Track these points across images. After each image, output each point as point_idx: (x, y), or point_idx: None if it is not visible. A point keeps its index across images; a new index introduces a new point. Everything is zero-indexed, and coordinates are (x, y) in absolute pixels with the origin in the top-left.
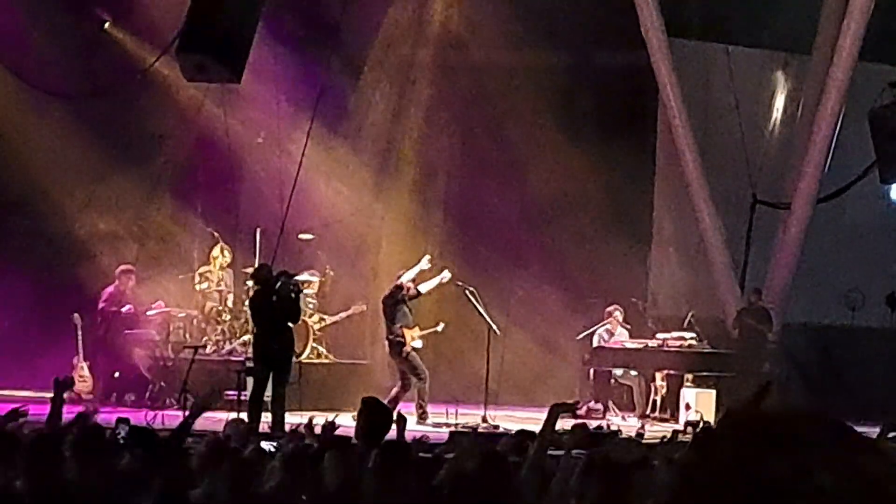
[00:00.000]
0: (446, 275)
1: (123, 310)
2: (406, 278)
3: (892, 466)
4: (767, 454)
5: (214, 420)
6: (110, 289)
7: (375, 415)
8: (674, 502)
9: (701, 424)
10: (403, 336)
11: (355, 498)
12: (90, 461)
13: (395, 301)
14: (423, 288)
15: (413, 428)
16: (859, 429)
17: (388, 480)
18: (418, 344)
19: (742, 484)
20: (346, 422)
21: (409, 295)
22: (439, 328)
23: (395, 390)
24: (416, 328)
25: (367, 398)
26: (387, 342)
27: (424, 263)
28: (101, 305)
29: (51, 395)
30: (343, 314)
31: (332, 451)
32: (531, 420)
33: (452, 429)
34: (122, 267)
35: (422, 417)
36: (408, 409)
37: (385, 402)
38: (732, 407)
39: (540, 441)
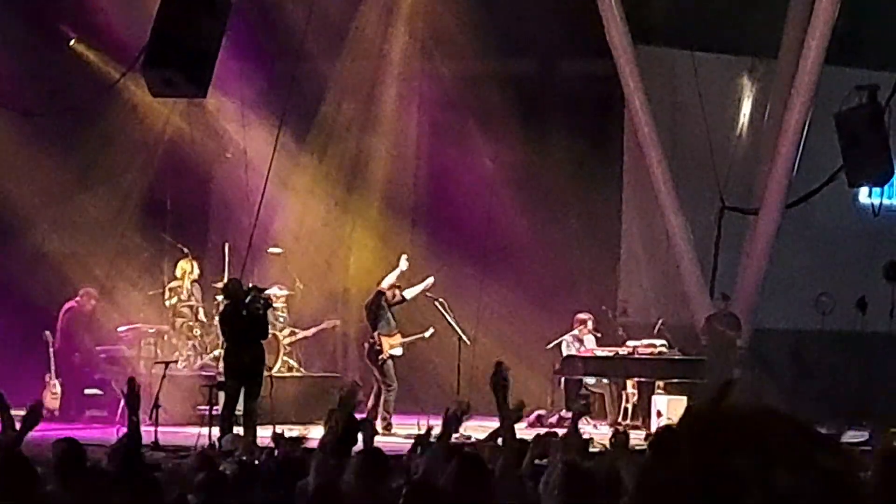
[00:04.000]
0: (429, 281)
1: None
2: (386, 283)
3: (851, 464)
4: (727, 453)
5: (186, 435)
6: (72, 304)
7: (344, 425)
8: (636, 502)
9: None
10: (381, 343)
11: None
12: (68, 480)
13: (378, 307)
14: (409, 294)
15: (378, 439)
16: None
17: (370, 484)
18: (398, 352)
19: (702, 483)
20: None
21: (392, 301)
22: (427, 334)
23: (371, 399)
24: (397, 336)
25: (332, 409)
26: (366, 346)
27: (403, 264)
28: (64, 321)
29: (20, 413)
30: (314, 329)
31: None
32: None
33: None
34: (84, 290)
35: (387, 429)
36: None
37: (366, 411)
38: (693, 407)
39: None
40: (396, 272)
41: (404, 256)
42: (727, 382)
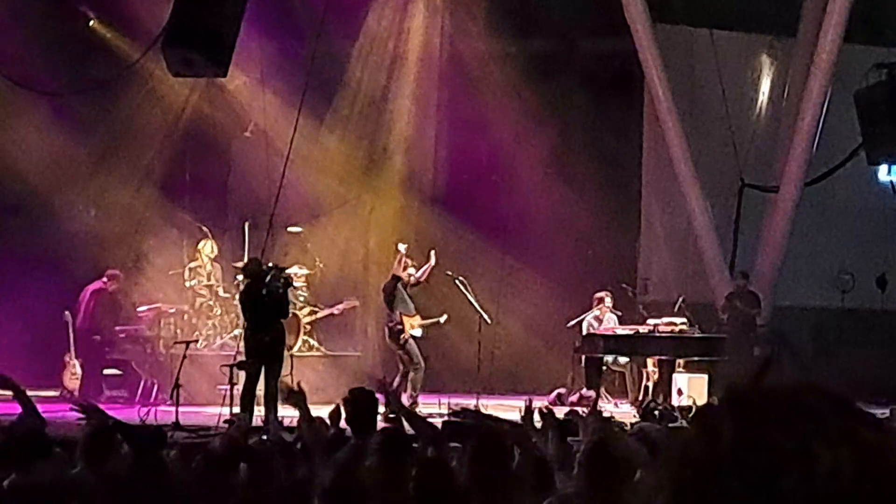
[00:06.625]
0: (432, 259)
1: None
2: (404, 271)
3: (892, 441)
4: (767, 430)
5: (207, 415)
6: (98, 285)
7: (362, 405)
8: (676, 479)
9: (693, 408)
10: (402, 323)
11: (354, 491)
12: (95, 461)
13: (394, 289)
14: (421, 275)
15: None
16: None
17: (390, 468)
18: (418, 332)
19: (742, 460)
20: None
21: (408, 283)
22: (442, 319)
23: (397, 379)
24: (417, 317)
25: (354, 388)
26: (386, 329)
27: (402, 248)
28: (91, 303)
29: (44, 393)
30: (335, 308)
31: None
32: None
33: (445, 418)
34: (109, 272)
35: (413, 407)
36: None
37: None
38: (734, 384)
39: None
40: (397, 260)
41: (403, 246)
42: (767, 361)
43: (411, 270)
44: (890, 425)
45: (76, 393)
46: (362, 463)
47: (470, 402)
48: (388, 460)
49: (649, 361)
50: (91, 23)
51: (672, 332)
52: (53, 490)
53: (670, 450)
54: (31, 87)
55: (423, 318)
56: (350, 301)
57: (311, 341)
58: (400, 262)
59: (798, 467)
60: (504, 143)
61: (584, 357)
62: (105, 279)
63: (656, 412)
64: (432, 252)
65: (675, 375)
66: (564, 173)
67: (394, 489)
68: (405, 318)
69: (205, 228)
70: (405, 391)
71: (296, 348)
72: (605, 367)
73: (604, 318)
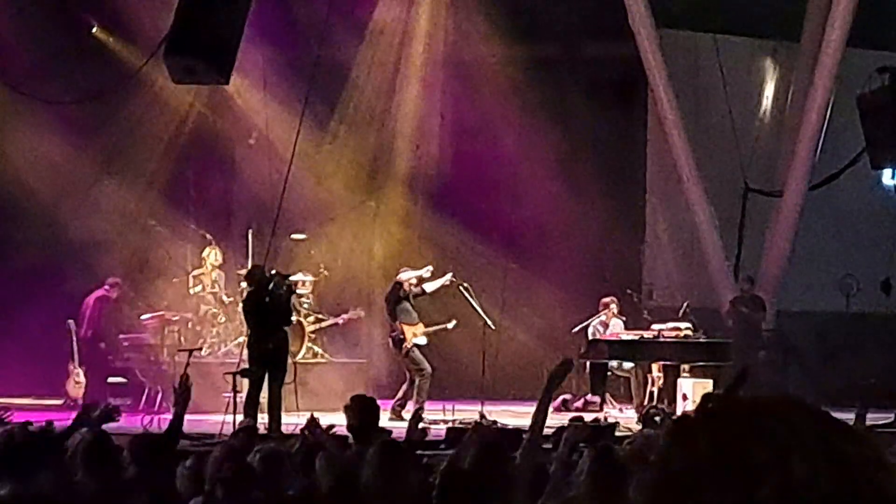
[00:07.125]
0: (448, 277)
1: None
2: (405, 276)
3: (869, 453)
4: (744, 441)
5: (210, 423)
6: (100, 293)
7: (364, 412)
8: (653, 492)
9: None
10: (403, 333)
11: (351, 497)
12: (94, 468)
13: (396, 298)
14: (429, 287)
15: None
16: (854, 414)
17: (388, 477)
18: (422, 341)
19: (719, 472)
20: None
21: (410, 292)
22: (450, 325)
23: (403, 387)
24: (420, 325)
25: (355, 396)
26: (390, 339)
27: (425, 273)
28: (93, 311)
29: (47, 401)
30: (339, 319)
31: (323, 451)
32: (529, 415)
33: (450, 425)
34: (111, 279)
35: (419, 413)
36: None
37: (395, 399)
38: (709, 395)
39: (536, 414)
40: (417, 273)
41: (429, 267)
42: (744, 370)
43: (415, 286)
44: (871, 436)
45: (80, 401)
46: (363, 470)
47: (474, 409)
48: (386, 468)
49: (654, 367)
50: (93, 30)
51: (677, 337)
52: (54, 498)
53: (649, 462)
54: (33, 94)
55: (428, 325)
56: (355, 312)
57: (316, 348)
58: (409, 281)
59: (774, 479)
60: (508, 149)
61: (589, 362)
62: (107, 287)
63: (657, 418)
64: (449, 275)
65: (679, 380)
66: (568, 179)
67: (392, 497)
68: (406, 328)
69: (208, 236)
70: (411, 399)
71: (300, 355)
72: (610, 373)
73: (610, 323)
